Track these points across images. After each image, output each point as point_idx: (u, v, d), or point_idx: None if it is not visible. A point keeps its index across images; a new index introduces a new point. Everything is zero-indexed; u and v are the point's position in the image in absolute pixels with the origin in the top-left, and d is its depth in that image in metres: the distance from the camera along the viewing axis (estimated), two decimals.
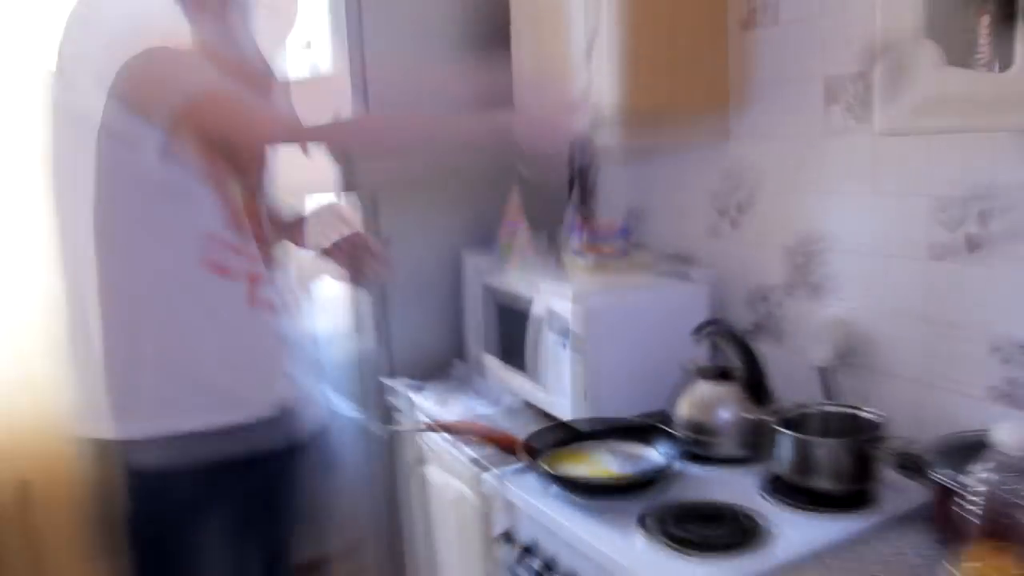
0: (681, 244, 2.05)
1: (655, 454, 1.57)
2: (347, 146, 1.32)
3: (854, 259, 1.61)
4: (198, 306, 1.29)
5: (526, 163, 1.75)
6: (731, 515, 1.32)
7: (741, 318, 1.90)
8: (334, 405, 2.23)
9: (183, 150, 1.22)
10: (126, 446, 1.29)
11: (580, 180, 2.34)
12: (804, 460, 1.40)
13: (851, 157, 1.58)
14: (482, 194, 2.15)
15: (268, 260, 1.40)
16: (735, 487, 1.49)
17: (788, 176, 1.73)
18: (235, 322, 1.32)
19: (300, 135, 1.30)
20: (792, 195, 1.72)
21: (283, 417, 1.38)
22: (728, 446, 1.60)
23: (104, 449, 1.30)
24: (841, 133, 1.59)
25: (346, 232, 1.57)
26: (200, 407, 1.29)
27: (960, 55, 1.09)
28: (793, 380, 1.73)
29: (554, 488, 1.47)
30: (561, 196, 2.27)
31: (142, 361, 1.27)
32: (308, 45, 2.63)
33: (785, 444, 1.42)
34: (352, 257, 1.58)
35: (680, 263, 2.02)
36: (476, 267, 2.06)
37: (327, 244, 1.57)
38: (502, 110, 1.32)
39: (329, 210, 1.59)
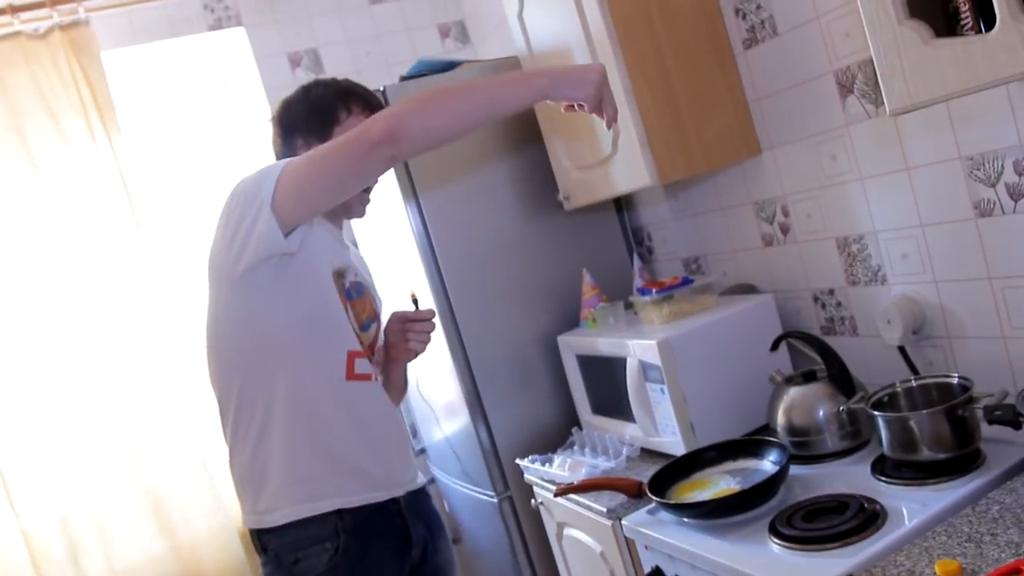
0: (742, 267, 2.20)
1: (767, 464, 1.70)
2: (437, 116, 1.38)
3: (904, 236, 1.72)
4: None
5: None
6: (853, 503, 1.44)
7: (812, 320, 2.03)
8: (471, 491, 2.43)
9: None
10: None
11: (636, 244, 2.54)
12: (905, 436, 1.50)
13: (877, 140, 1.71)
14: (559, 285, 2.41)
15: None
16: (848, 477, 1.61)
17: (823, 171, 1.87)
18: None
19: (408, 118, 1.36)
20: (831, 189, 1.86)
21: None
22: (830, 441, 1.72)
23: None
24: (862, 120, 1.73)
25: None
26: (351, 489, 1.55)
27: (945, 28, 1.21)
28: (876, 365, 1.85)
29: (685, 518, 1.62)
30: (624, 266, 2.49)
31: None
32: (224, 81, 2.94)
33: (884, 425, 1.54)
34: (400, 334, 1.77)
35: (742, 289, 2.17)
36: (569, 344, 2.26)
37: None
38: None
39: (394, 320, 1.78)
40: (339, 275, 1.62)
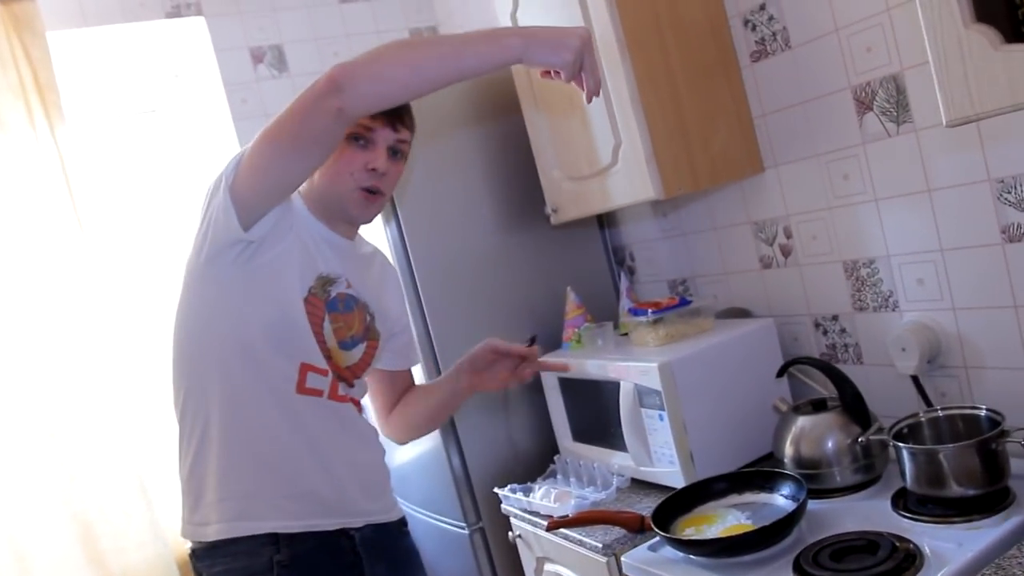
0: (734, 290, 2.11)
1: (779, 499, 1.59)
2: (391, 66, 1.22)
3: (921, 260, 1.65)
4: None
5: None
6: (884, 542, 1.33)
7: (812, 346, 1.95)
8: (437, 521, 2.26)
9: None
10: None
11: (619, 262, 2.44)
12: (932, 470, 1.41)
13: (897, 160, 1.64)
14: (539, 303, 2.29)
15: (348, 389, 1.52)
16: (866, 513, 1.51)
17: (833, 191, 1.79)
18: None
19: (356, 67, 1.22)
20: (841, 211, 1.78)
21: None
22: (843, 474, 1.62)
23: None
24: (881, 139, 1.66)
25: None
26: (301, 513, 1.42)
27: (1013, 34, 1.14)
28: (883, 395, 1.77)
29: (693, 555, 1.49)
30: (606, 285, 2.38)
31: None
32: (176, 76, 2.77)
33: (908, 458, 1.45)
34: (493, 364, 1.65)
35: (735, 314, 2.08)
36: None
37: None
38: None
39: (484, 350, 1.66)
40: (324, 283, 1.47)
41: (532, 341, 1.64)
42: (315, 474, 1.43)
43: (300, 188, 1.47)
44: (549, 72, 1.32)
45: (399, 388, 1.72)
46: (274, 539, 1.39)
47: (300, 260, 1.43)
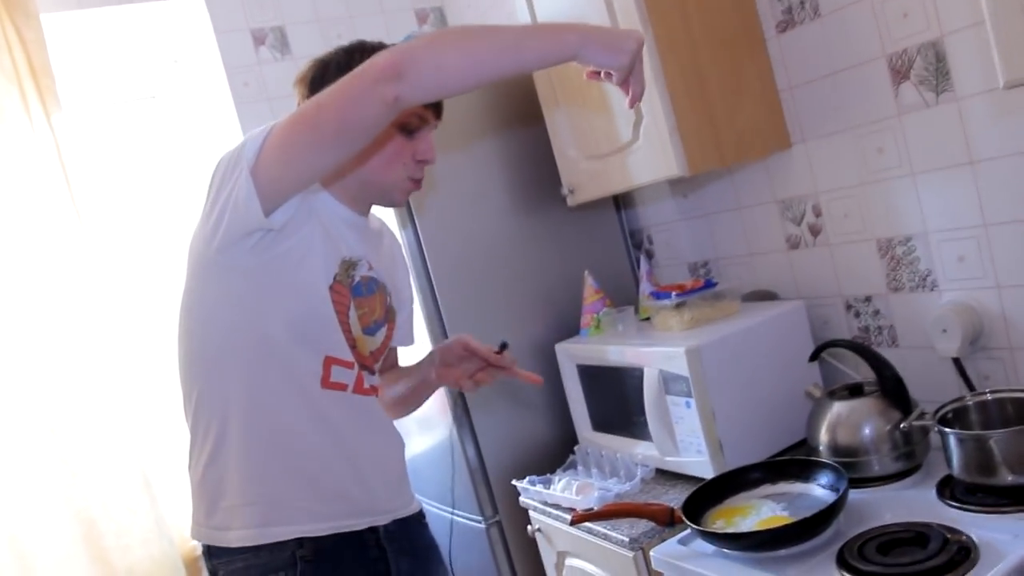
0: (760, 272, 2.03)
1: (817, 489, 1.52)
2: (453, 56, 1.14)
3: (963, 237, 1.57)
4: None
5: None
6: (933, 534, 1.26)
7: (843, 329, 1.86)
8: (454, 514, 2.18)
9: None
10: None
11: (636, 245, 2.35)
12: (982, 457, 1.34)
13: (936, 131, 1.55)
14: (556, 288, 2.20)
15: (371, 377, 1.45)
16: (909, 503, 1.44)
17: (866, 166, 1.70)
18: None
19: (418, 52, 1.14)
20: (875, 186, 1.70)
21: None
22: (883, 462, 1.54)
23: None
24: (919, 109, 1.57)
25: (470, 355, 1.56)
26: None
27: None
28: (922, 379, 1.69)
29: (728, 549, 1.42)
30: (623, 269, 2.30)
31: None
32: (176, 61, 2.69)
33: (956, 445, 1.37)
34: (461, 360, 1.56)
35: (764, 296, 2.00)
36: (568, 353, 2.05)
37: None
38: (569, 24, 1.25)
39: (455, 344, 1.57)
40: (348, 267, 1.39)
41: (502, 348, 1.53)
42: (344, 474, 1.37)
43: None
44: (598, 73, 1.27)
45: (384, 366, 1.62)
46: (299, 541, 1.33)
47: (323, 246, 1.35)
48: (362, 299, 1.41)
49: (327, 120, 1.17)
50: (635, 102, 1.26)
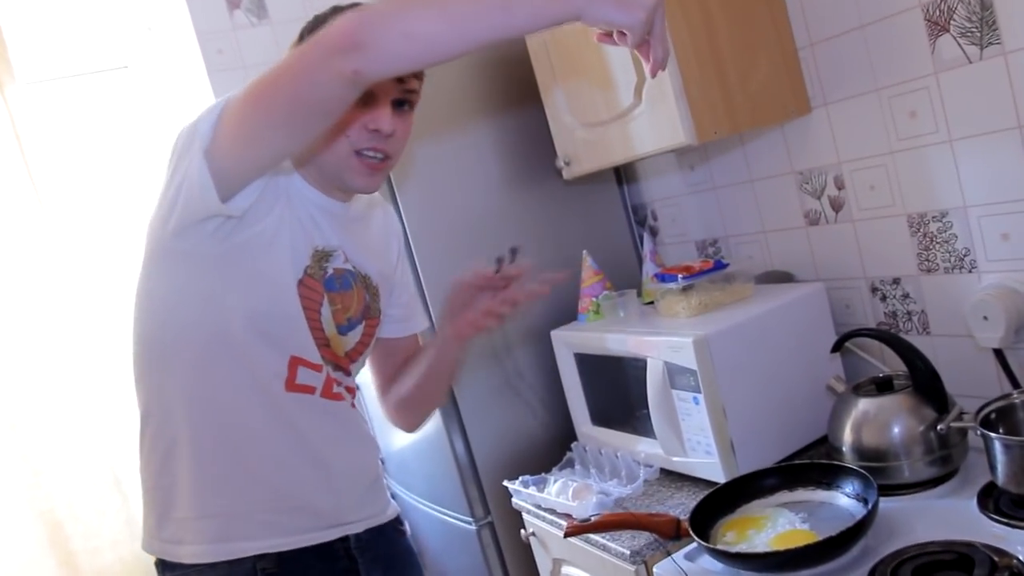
0: (775, 251, 1.85)
1: (841, 498, 1.35)
2: (427, 21, 0.96)
3: (1008, 212, 1.38)
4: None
5: None
6: (978, 556, 1.09)
7: (867, 315, 1.69)
8: (441, 514, 2.03)
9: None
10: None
11: (639, 222, 2.17)
12: None
13: (979, 91, 1.36)
14: (552, 269, 1.99)
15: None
16: (948, 515, 1.27)
17: (896, 132, 1.52)
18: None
19: (382, 18, 0.96)
20: (906, 155, 1.51)
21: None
22: (913, 467, 1.37)
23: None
24: (959, 66, 1.38)
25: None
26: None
27: None
28: (957, 372, 1.51)
29: (742, 569, 1.25)
30: (625, 248, 2.12)
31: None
32: (150, 28, 2.52)
33: (1002, 451, 1.19)
34: (470, 301, 1.36)
35: (779, 277, 1.82)
36: (565, 341, 1.87)
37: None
38: None
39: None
40: (320, 258, 1.24)
41: (512, 255, 1.31)
42: (310, 484, 1.24)
43: None
44: (610, 34, 1.05)
45: (399, 360, 1.46)
46: (261, 556, 1.20)
47: (291, 235, 1.20)
48: (336, 294, 1.26)
49: (280, 98, 1.01)
50: (658, 69, 1.04)
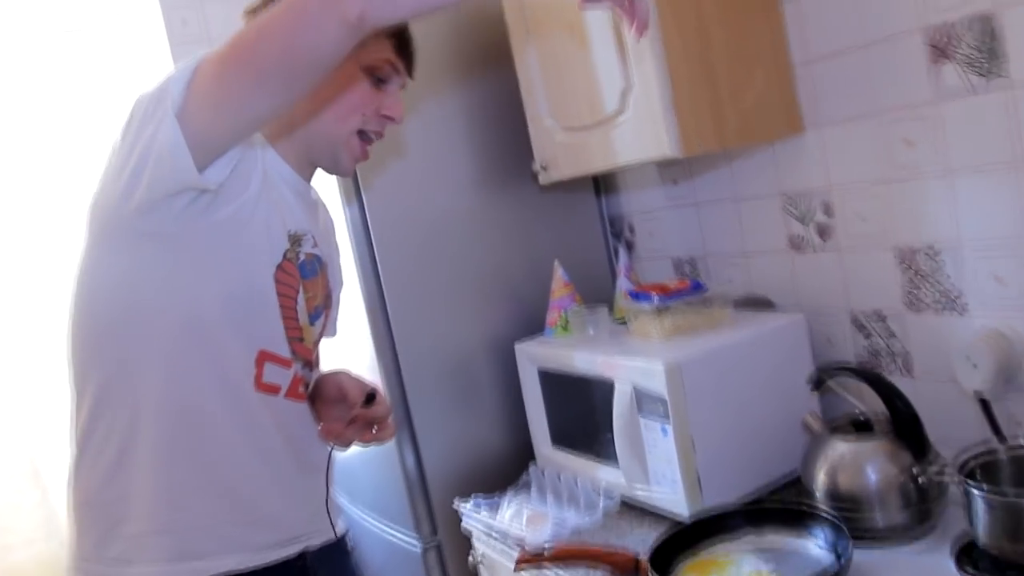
0: (755, 275, 1.77)
1: (812, 547, 1.26)
2: None
3: (1003, 252, 1.31)
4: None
5: None
6: None
7: (848, 350, 1.61)
8: (394, 536, 1.91)
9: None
10: None
11: (615, 234, 2.08)
12: (1016, 526, 1.09)
13: (981, 123, 1.29)
14: (519, 279, 1.92)
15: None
16: (924, 571, 1.19)
17: (891, 160, 1.44)
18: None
19: None
20: (900, 185, 1.43)
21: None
22: (888, 516, 1.28)
23: None
24: (961, 96, 1.31)
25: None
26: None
27: None
28: (938, 417, 1.43)
29: None
30: (598, 261, 2.03)
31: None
32: None
33: (983, 508, 1.12)
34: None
35: (758, 303, 1.74)
36: (530, 355, 1.77)
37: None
38: None
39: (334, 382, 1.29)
40: (294, 241, 1.15)
41: (369, 399, 1.24)
42: (275, 493, 1.15)
43: None
44: None
45: None
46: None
47: (267, 214, 1.11)
48: (308, 281, 1.18)
49: (272, 49, 0.91)
50: (643, 30, 0.99)
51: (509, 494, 1.69)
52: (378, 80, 1.17)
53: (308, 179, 1.23)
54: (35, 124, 2.27)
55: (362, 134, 1.18)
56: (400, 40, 1.19)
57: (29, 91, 2.26)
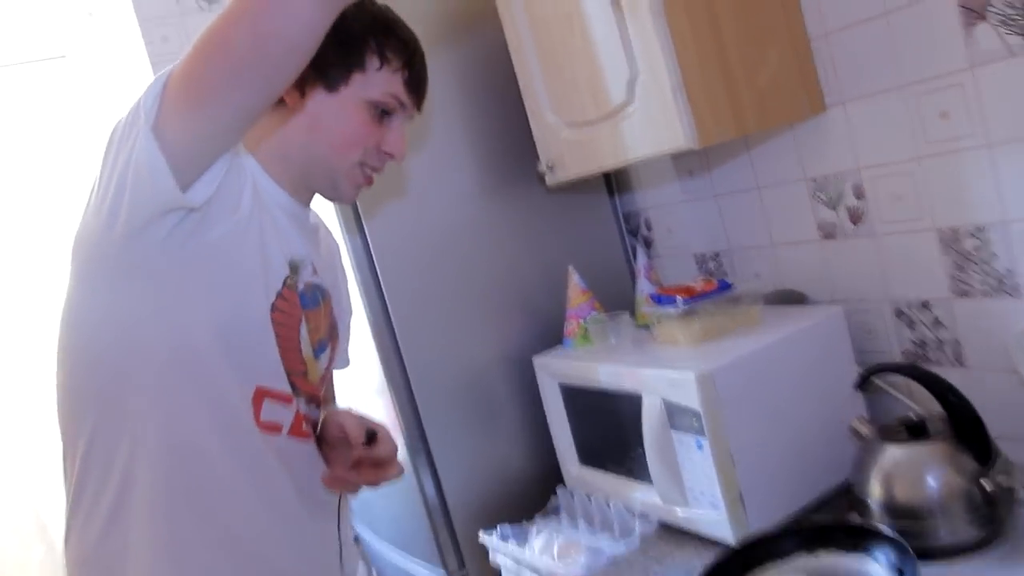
0: (784, 268, 1.65)
1: (873, 566, 1.14)
2: None
3: None
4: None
5: None
6: None
7: (891, 343, 1.49)
8: (421, 571, 1.81)
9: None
10: None
11: (630, 235, 1.97)
12: None
13: (1020, 87, 1.17)
14: (535, 288, 1.81)
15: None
16: None
17: (925, 135, 1.32)
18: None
19: None
20: (937, 161, 1.31)
21: None
22: (952, 529, 1.17)
23: None
24: (999, 59, 1.18)
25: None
26: None
27: None
28: (997, 412, 1.30)
29: None
30: (616, 264, 1.92)
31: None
32: (90, 14, 2.31)
33: None
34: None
35: (790, 298, 1.62)
36: (549, 369, 1.66)
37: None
38: None
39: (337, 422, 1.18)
40: (294, 268, 1.08)
41: (371, 438, 1.13)
42: (286, 545, 1.08)
43: (250, 135, 1.05)
44: None
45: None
46: None
47: (261, 237, 1.03)
48: (309, 312, 1.10)
49: (239, 37, 0.83)
50: None
51: (538, 521, 1.59)
52: (381, 112, 1.10)
53: (306, 204, 1.16)
54: (25, 149, 2.21)
55: (363, 165, 1.13)
56: (412, 74, 1.11)
57: (17, 118, 2.20)
